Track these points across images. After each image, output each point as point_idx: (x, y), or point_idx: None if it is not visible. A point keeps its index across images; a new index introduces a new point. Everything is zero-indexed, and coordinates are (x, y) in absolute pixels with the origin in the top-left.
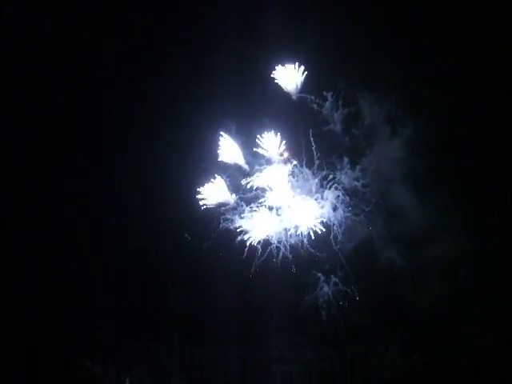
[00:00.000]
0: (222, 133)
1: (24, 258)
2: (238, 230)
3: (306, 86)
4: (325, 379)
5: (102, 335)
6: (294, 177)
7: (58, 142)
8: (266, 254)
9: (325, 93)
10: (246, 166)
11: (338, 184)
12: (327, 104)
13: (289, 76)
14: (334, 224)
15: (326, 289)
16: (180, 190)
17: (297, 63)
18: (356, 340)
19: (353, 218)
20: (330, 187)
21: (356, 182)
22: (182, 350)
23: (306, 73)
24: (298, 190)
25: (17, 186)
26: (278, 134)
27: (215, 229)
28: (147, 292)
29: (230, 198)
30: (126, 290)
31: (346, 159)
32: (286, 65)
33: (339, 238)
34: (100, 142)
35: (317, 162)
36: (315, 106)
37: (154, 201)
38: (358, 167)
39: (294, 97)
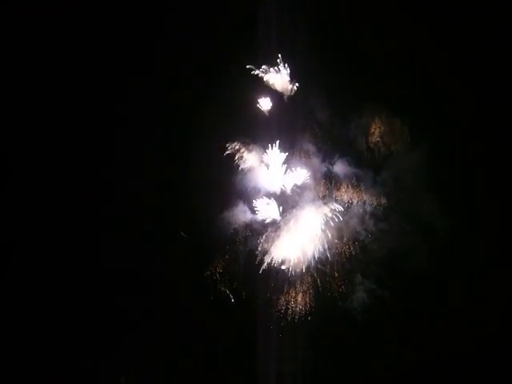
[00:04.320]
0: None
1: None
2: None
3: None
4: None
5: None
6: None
7: None
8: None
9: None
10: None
11: (365, 195)
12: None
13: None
14: (363, 235)
15: (359, 294)
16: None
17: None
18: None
19: (381, 227)
20: (358, 202)
21: (381, 193)
22: (179, 348)
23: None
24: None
25: None
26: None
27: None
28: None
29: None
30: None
31: (369, 173)
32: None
33: (369, 247)
34: None
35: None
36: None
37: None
38: (380, 179)
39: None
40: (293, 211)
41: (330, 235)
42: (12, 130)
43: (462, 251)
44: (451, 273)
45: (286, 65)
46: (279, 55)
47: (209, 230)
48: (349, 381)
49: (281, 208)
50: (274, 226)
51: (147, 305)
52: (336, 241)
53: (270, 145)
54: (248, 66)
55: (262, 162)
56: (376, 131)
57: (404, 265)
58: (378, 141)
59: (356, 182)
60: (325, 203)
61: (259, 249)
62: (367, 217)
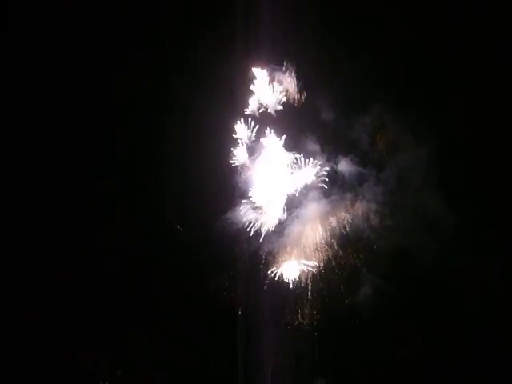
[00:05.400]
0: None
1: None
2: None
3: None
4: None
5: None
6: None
7: None
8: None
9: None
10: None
11: (369, 194)
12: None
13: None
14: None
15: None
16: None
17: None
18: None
19: (387, 224)
20: (362, 200)
21: (385, 191)
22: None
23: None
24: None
25: None
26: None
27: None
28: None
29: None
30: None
31: (373, 171)
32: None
33: (374, 244)
34: None
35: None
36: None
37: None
38: (384, 177)
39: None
40: (297, 211)
41: (335, 244)
42: None
43: (468, 248)
44: (457, 270)
45: (291, 66)
46: (284, 59)
47: (211, 230)
48: (350, 379)
49: (285, 208)
50: (279, 226)
51: (147, 304)
52: (340, 251)
53: (274, 145)
54: (253, 69)
55: (266, 162)
56: (380, 129)
57: (410, 261)
58: (382, 139)
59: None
60: (329, 202)
61: (263, 259)
62: (372, 214)
